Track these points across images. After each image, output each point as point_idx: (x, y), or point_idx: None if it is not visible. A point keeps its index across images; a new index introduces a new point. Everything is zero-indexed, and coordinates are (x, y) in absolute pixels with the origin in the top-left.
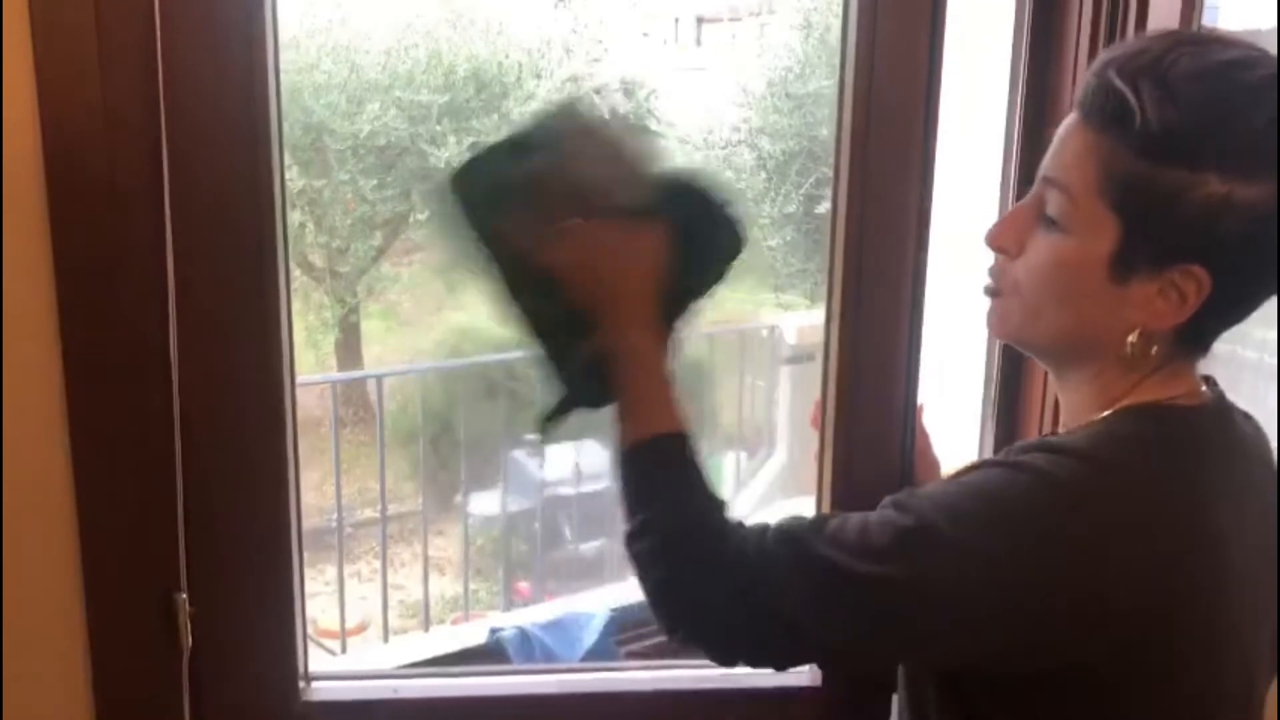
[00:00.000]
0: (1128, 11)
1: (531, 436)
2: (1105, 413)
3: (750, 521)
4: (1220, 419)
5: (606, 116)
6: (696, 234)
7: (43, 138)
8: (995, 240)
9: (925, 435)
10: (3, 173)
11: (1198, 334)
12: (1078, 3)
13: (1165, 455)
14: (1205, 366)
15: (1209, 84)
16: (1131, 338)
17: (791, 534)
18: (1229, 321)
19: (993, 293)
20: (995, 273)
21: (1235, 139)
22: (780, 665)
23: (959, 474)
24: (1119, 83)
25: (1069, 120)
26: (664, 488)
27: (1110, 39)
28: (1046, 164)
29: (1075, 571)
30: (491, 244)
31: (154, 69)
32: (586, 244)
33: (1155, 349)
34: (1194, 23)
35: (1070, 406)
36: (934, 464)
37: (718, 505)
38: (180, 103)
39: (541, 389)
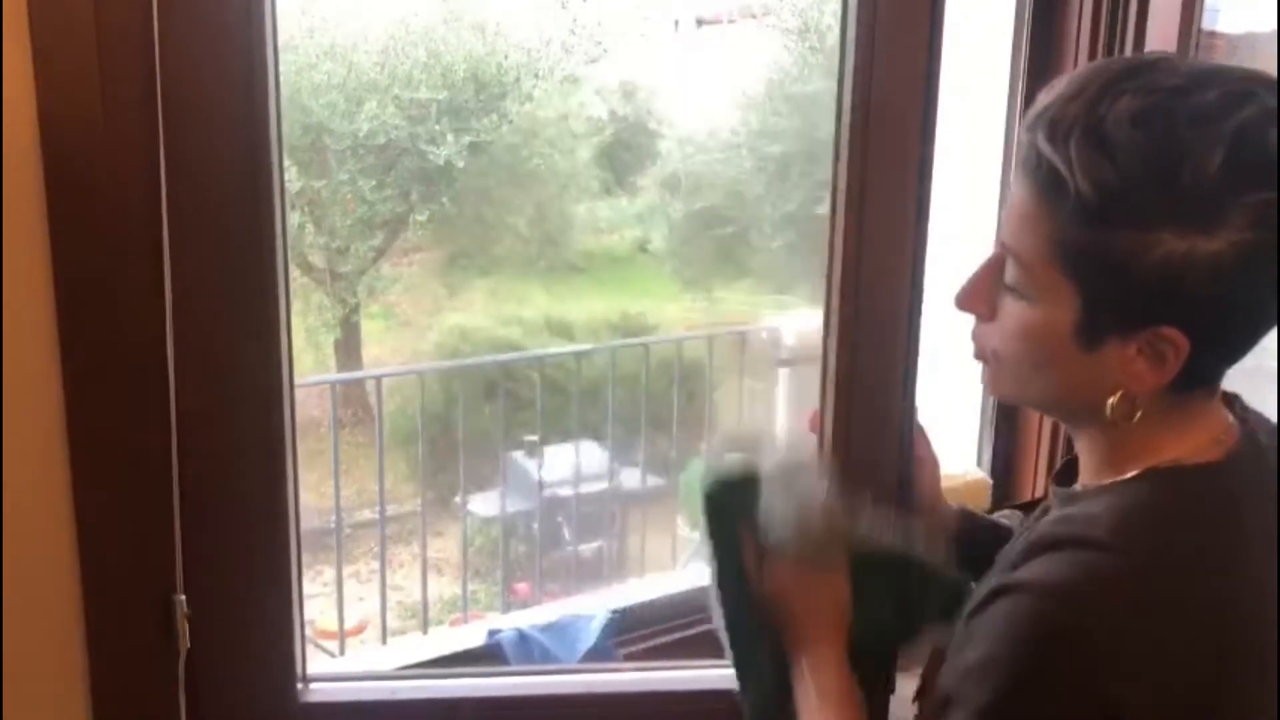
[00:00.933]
0: (1128, 12)
1: (531, 438)
2: (1124, 475)
3: None
4: (1248, 468)
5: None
6: (895, 596)
7: (41, 140)
8: (963, 305)
9: (924, 436)
10: (2, 174)
11: (1194, 382)
12: (1078, 3)
13: (1187, 532)
14: None
15: (1152, 125)
16: (1111, 400)
17: None
18: (1229, 361)
19: (979, 357)
20: (974, 337)
21: (1186, 190)
22: None
23: (976, 609)
24: (1046, 147)
25: (1014, 178)
26: None
27: (1110, 40)
28: (1001, 227)
29: (1115, 670)
30: (726, 549)
31: (152, 70)
32: (787, 582)
33: (1140, 413)
34: (1194, 22)
35: (1087, 460)
36: (933, 465)
37: None
38: (179, 104)
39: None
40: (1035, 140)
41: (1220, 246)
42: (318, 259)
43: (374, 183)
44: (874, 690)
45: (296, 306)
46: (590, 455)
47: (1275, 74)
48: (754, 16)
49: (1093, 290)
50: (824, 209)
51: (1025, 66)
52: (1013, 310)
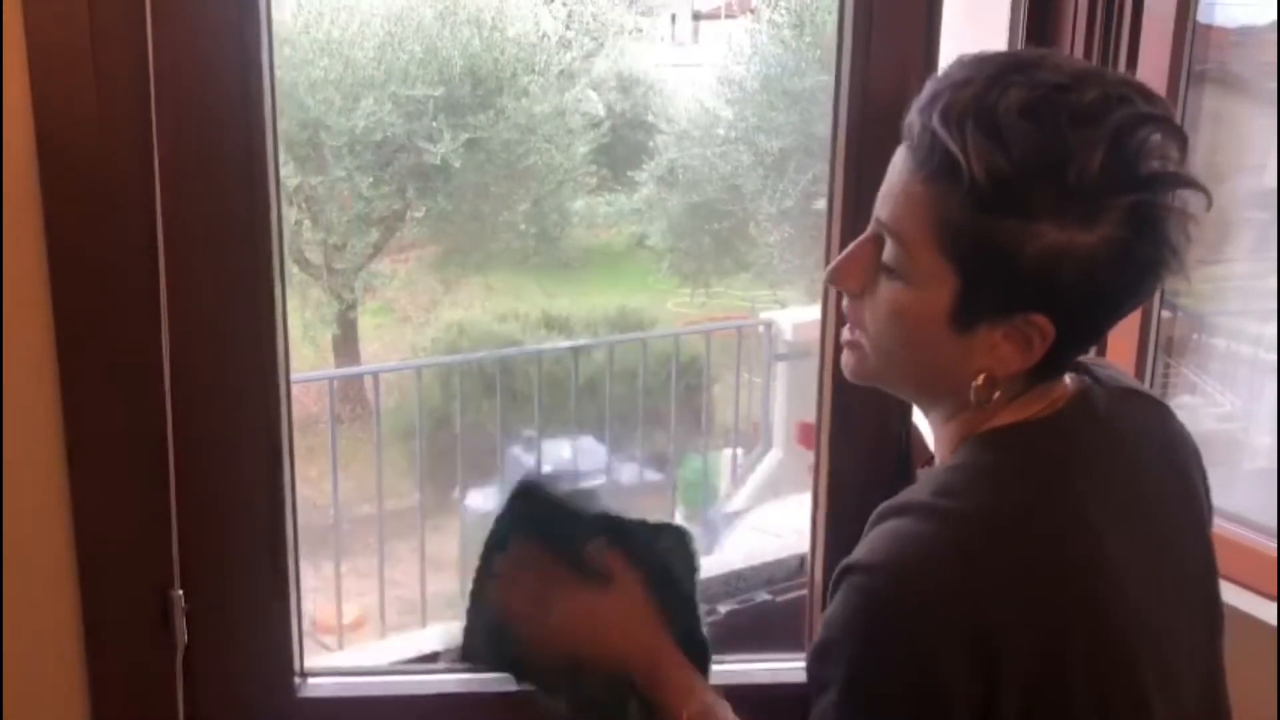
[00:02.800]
0: (1124, 6)
1: (529, 433)
2: (963, 446)
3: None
4: (1073, 421)
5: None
6: (654, 558)
7: (36, 136)
8: (836, 281)
9: (920, 434)
10: None
11: (1046, 368)
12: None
13: (1007, 484)
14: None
15: (1040, 119)
16: (976, 382)
17: None
18: (1077, 354)
19: (846, 341)
20: (847, 312)
21: (1071, 186)
22: None
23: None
24: (942, 131)
25: (898, 159)
26: None
27: (1105, 34)
28: (880, 205)
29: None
30: (522, 668)
31: (147, 67)
32: (578, 618)
33: (998, 393)
34: (1190, 15)
35: (938, 438)
36: (930, 461)
37: None
38: (174, 100)
39: None
40: (929, 123)
41: (1095, 241)
42: (315, 255)
43: (371, 179)
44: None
45: (294, 303)
46: (588, 450)
47: (1275, 70)
48: (751, 11)
49: (972, 275)
50: (821, 204)
51: None
52: (888, 290)
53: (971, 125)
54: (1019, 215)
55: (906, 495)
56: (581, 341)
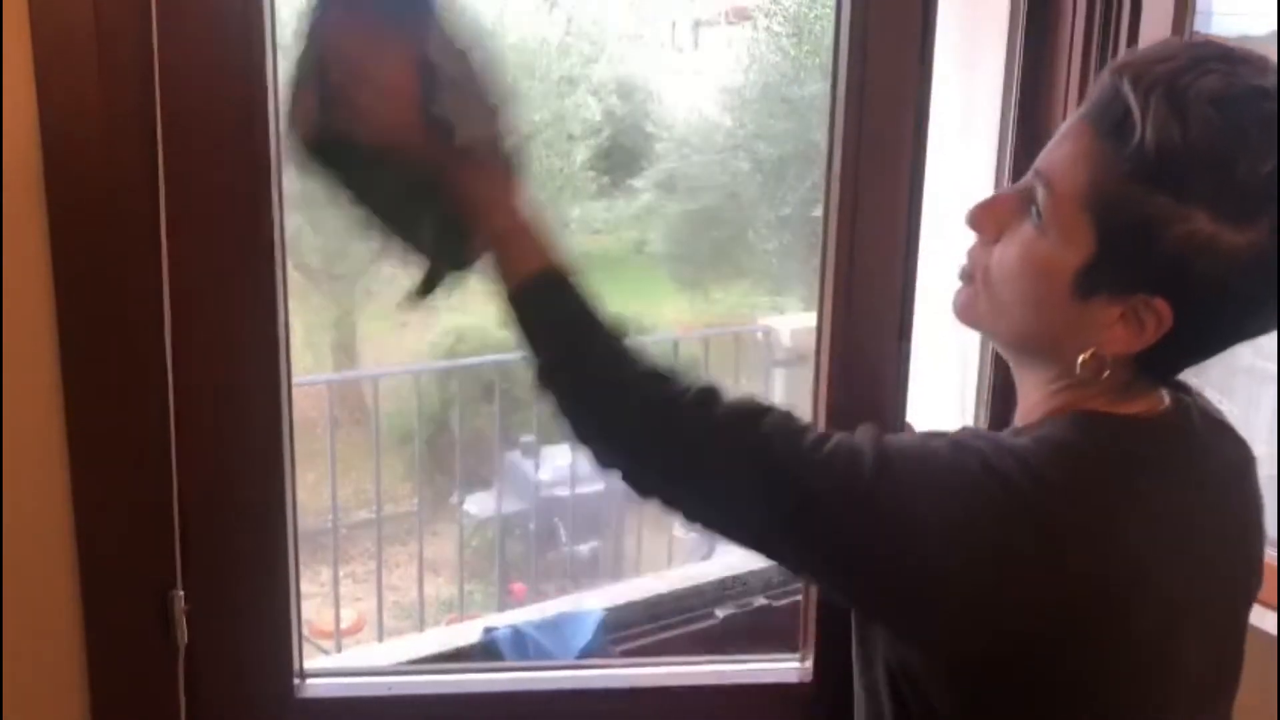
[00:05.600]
0: (1121, 15)
1: (527, 438)
2: (1055, 417)
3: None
4: (1173, 432)
5: None
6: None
7: (41, 141)
8: (974, 221)
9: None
10: (1, 174)
11: (1155, 365)
12: (1071, 5)
13: (1097, 470)
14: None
15: (1229, 111)
16: (1083, 356)
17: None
18: (1189, 360)
19: (965, 276)
20: (970, 255)
21: (1235, 179)
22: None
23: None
24: (1129, 92)
25: (1073, 117)
26: (559, 326)
27: (1104, 42)
28: (1042, 156)
29: (984, 568)
30: (327, 151)
31: (151, 71)
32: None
33: (1108, 373)
34: (1186, 25)
35: (1024, 401)
36: None
37: (619, 334)
38: (178, 106)
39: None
40: (1118, 83)
41: (1242, 243)
42: (315, 260)
43: None
44: None
45: (293, 307)
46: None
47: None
48: (750, 19)
49: (1110, 241)
50: (819, 211)
51: (1018, 71)
52: (1022, 236)
53: (1160, 93)
54: (1175, 195)
55: (1006, 439)
56: None
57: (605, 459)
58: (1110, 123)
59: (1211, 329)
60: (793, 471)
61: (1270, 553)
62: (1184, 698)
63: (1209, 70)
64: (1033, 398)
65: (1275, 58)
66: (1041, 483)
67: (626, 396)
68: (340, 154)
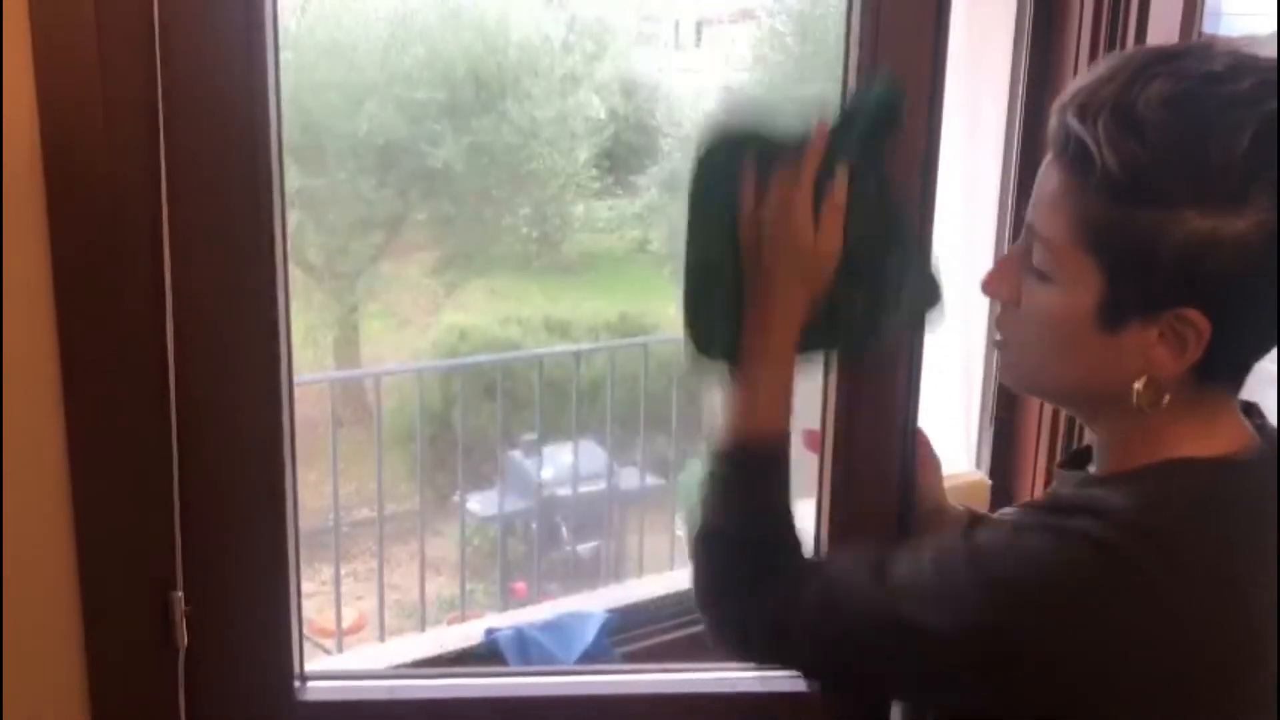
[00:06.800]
0: (1129, 14)
1: (529, 437)
2: (1145, 463)
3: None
4: (1267, 470)
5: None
6: (883, 266)
7: (42, 137)
8: (989, 290)
9: (926, 440)
10: (2, 171)
11: (1219, 371)
12: (1078, 6)
13: (1211, 522)
14: None
15: (1182, 107)
16: (1137, 385)
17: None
18: (1250, 355)
19: (1000, 344)
20: (999, 323)
21: (1212, 168)
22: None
23: (1006, 526)
24: (1075, 123)
25: (1045, 162)
26: (754, 496)
27: (1111, 42)
28: (1030, 211)
29: (1098, 635)
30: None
31: (153, 69)
32: (779, 215)
33: (1168, 397)
34: (1195, 21)
35: (1104, 452)
36: (936, 468)
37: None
38: (179, 103)
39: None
40: (1065, 119)
41: (1245, 226)
42: (317, 257)
43: (373, 182)
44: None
45: (295, 305)
46: (589, 455)
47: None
48: (754, 18)
49: (1116, 270)
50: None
51: (1025, 70)
52: (1037, 294)
53: (1106, 117)
54: (1158, 204)
55: (1104, 506)
56: (583, 346)
57: (726, 631)
58: (1072, 159)
59: (1253, 319)
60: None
61: None
62: None
63: (1152, 76)
64: (1113, 445)
65: (1276, 57)
66: (1153, 553)
67: (787, 610)
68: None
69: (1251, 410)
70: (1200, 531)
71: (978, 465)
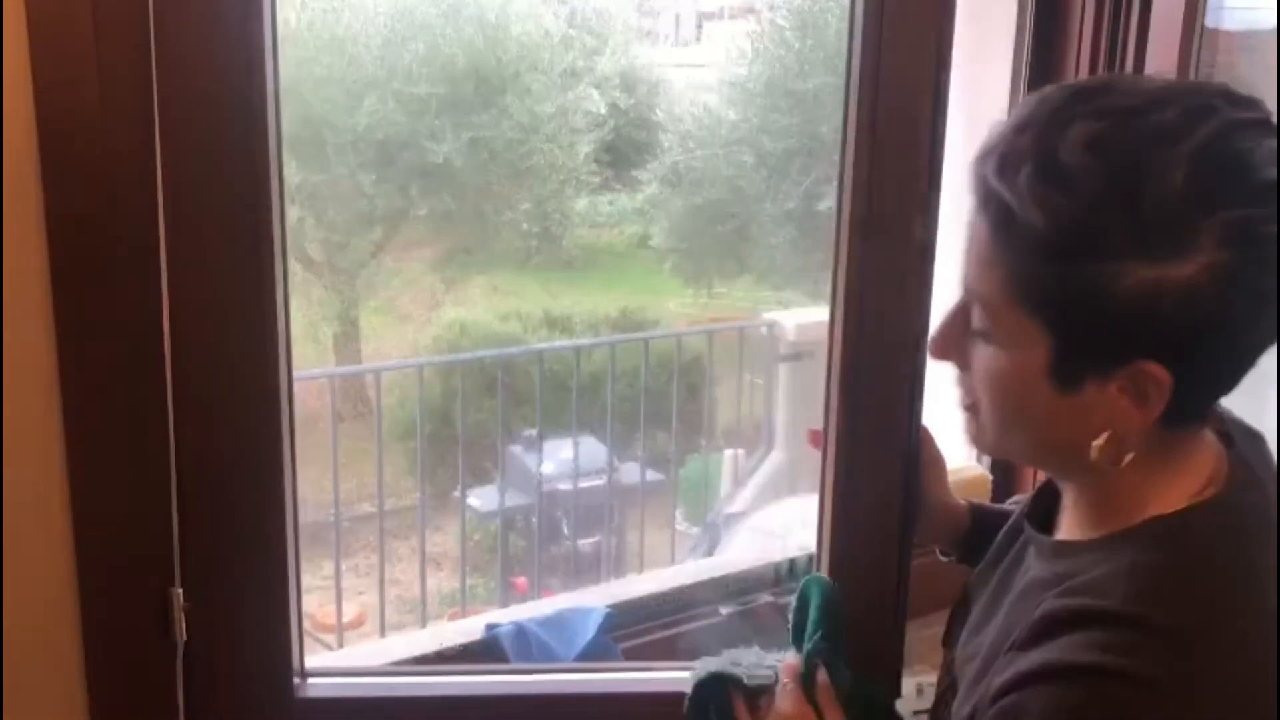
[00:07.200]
0: (1130, 10)
1: (530, 432)
2: (1120, 527)
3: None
4: (1245, 497)
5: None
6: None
7: (38, 132)
8: (935, 353)
9: (930, 436)
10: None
11: (1188, 417)
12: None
13: (1202, 589)
14: None
15: (1107, 150)
16: (1096, 443)
17: None
18: (1214, 396)
19: (965, 407)
20: (960, 386)
21: (1149, 215)
22: None
23: (1004, 689)
24: (997, 182)
25: (970, 217)
26: None
27: (1113, 39)
28: (963, 267)
29: None
30: None
31: (150, 64)
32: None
33: (1130, 455)
34: (1198, 19)
35: (1075, 512)
36: (940, 464)
37: None
38: (177, 98)
39: None
40: (984, 174)
41: (1193, 271)
42: (317, 252)
43: (374, 177)
44: None
45: (295, 300)
46: (589, 450)
47: (1275, 74)
48: (754, 11)
49: (1061, 328)
50: (824, 205)
51: (1027, 67)
52: (984, 356)
53: (1028, 169)
54: (1096, 258)
55: (1094, 599)
56: (583, 341)
57: None
58: (996, 217)
59: (1215, 364)
60: None
61: None
62: None
63: (1070, 119)
64: (1083, 504)
65: (1276, 52)
66: (1164, 651)
67: None
68: None
69: (1218, 427)
70: (1202, 598)
71: (979, 459)
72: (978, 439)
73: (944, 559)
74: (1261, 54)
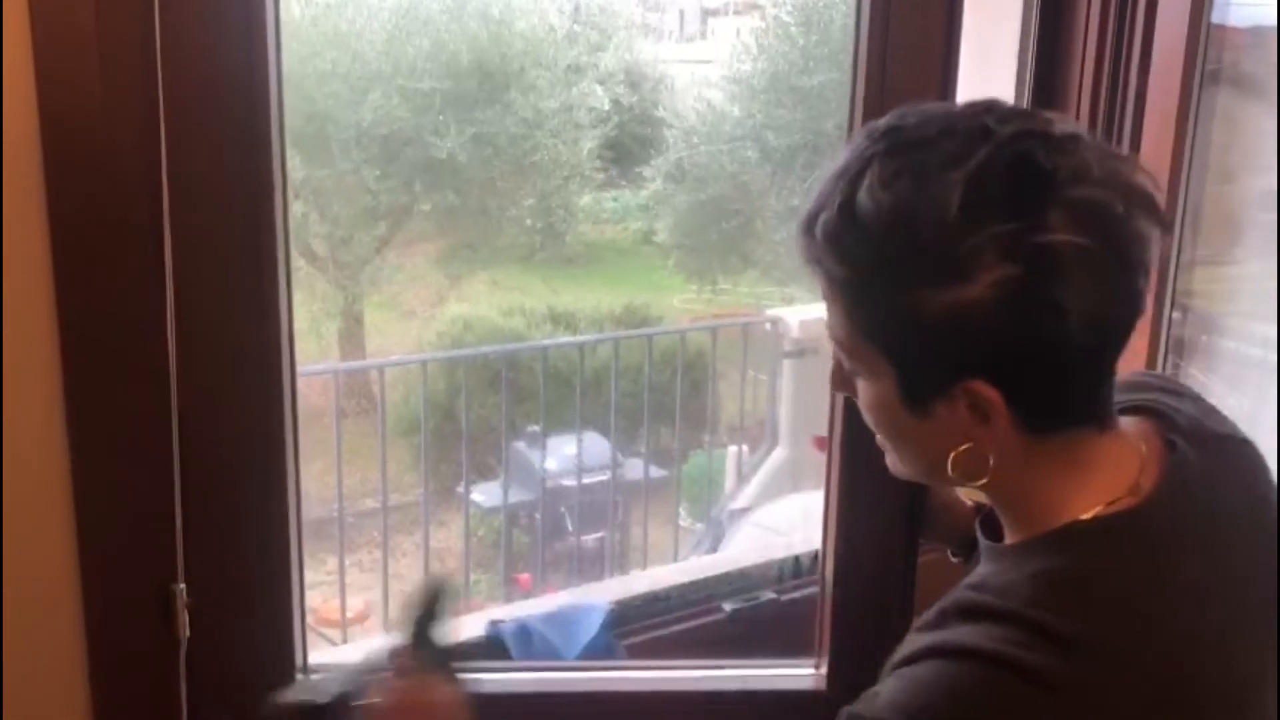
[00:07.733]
0: (1136, 7)
1: (533, 428)
2: (1042, 530)
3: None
4: (1173, 507)
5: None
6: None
7: (41, 126)
8: (833, 388)
9: None
10: (1, 160)
11: (1050, 421)
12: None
13: (1105, 601)
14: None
15: (897, 186)
16: (953, 455)
17: None
18: (1070, 397)
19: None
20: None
21: (929, 242)
22: None
23: (898, 663)
24: (802, 238)
25: None
26: None
27: (1119, 35)
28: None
29: None
30: None
31: (153, 59)
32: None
33: (992, 465)
34: (1204, 15)
35: (1004, 518)
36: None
37: None
38: (181, 93)
39: None
40: (799, 228)
41: (981, 291)
42: (321, 248)
43: (378, 173)
44: None
45: (300, 295)
46: (593, 446)
47: (1275, 71)
48: (759, 7)
49: (897, 356)
50: None
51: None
52: (858, 388)
53: (828, 217)
54: (896, 289)
55: (986, 595)
56: (587, 337)
57: None
58: (811, 261)
59: (1040, 375)
60: None
61: None
62: None
63: (870, 158)
64: (1008, 514)
65: (1276, 51)
66: (1041, 636)
67: None
68: None
69: (1161, 417)
70: (1101, 608)
71: None
72: (891, 468)
73: (954, 559)
74: (1268, 50)
